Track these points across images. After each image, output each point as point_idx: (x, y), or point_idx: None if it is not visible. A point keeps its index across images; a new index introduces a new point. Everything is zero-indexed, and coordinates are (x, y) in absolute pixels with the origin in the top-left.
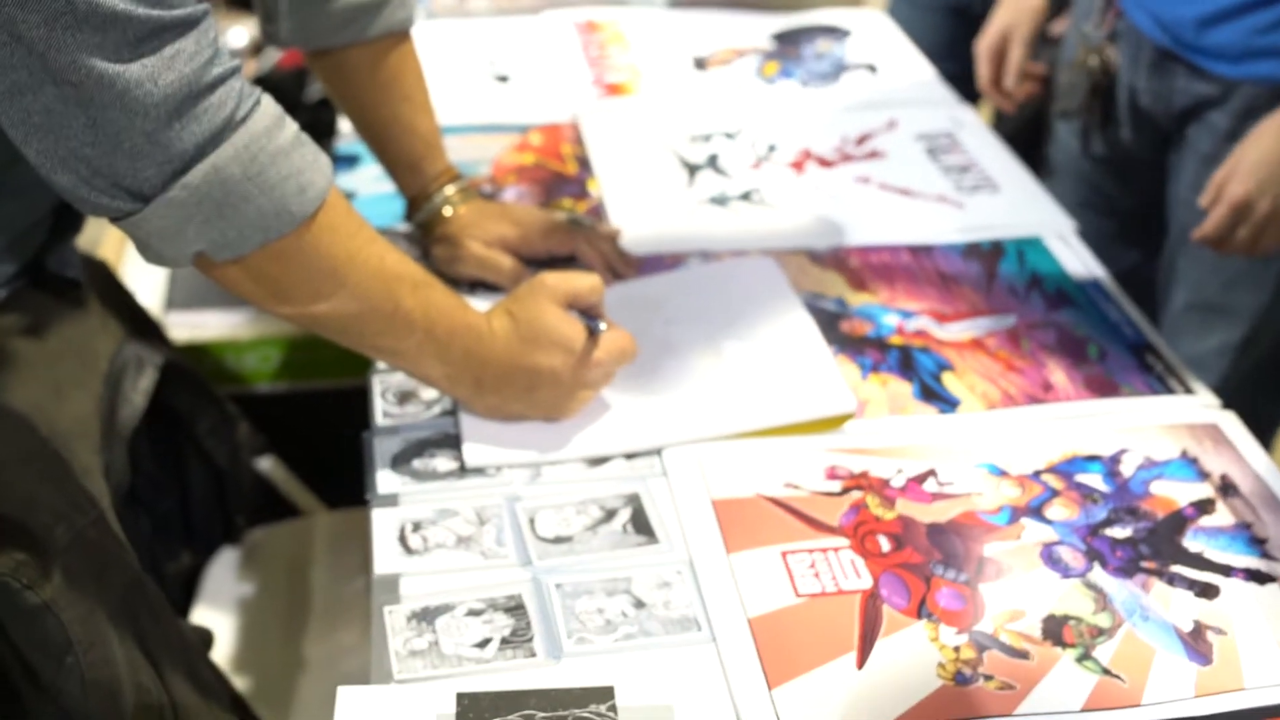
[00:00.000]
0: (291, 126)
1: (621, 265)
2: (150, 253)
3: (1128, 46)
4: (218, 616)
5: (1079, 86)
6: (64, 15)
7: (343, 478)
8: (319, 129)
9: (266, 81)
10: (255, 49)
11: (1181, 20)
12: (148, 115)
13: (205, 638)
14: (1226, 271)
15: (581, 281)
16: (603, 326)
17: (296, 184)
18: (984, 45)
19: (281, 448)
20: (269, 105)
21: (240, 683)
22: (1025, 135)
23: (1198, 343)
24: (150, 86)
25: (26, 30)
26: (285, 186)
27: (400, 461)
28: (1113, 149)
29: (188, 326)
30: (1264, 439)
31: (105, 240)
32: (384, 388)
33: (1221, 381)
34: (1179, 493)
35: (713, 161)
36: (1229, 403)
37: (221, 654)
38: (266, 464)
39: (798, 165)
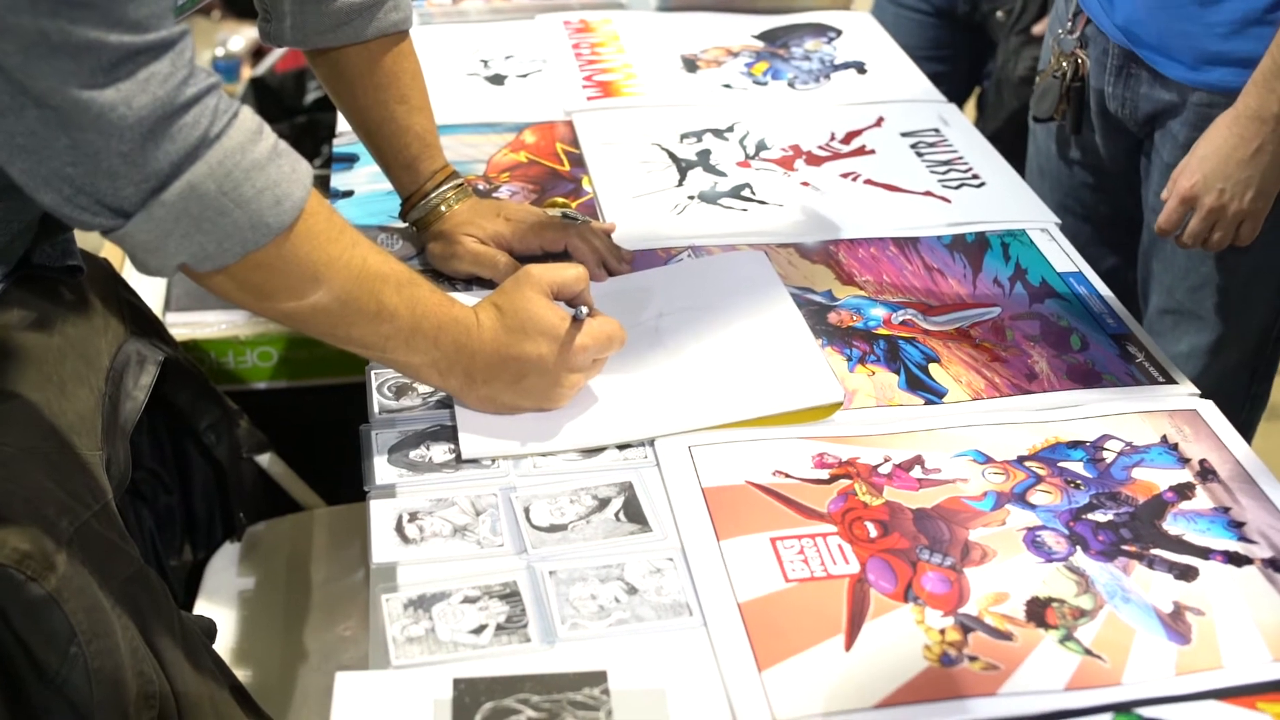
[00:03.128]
0: (269, 139)
1: (614, 260)
2: (137, 263)
3: (1095, 51)
4: (219, 610)
5: (1051, 91)
6: (39, 44)
7: (341, 473)
8: (317, 130)
9: (265, 84)
10: (254, 53)
11: (1137, 18)
12: (123, 137)
13: (207, 629)
14: (1193, 277)
15: (566, 272)
16: (585, 312)
17: (273, 196)
18: None
19: (281, 444)
20: (246, 119)
21: (241, 674)
22: (1006, 135)
23: (1171, 345)
24: (124, 110)
25: (4, 58)
26: (261, 200)
27: (397, 453)
28: (1088, 154)
29: (187, 325)
30: None
31: (106, 240)
32: (381, 381)
33: (1194, 383)
34: (1159, 478)
35: (704, 159)
36: None
37: (223, 646)
38: (266, 460)
39: (787, 162)
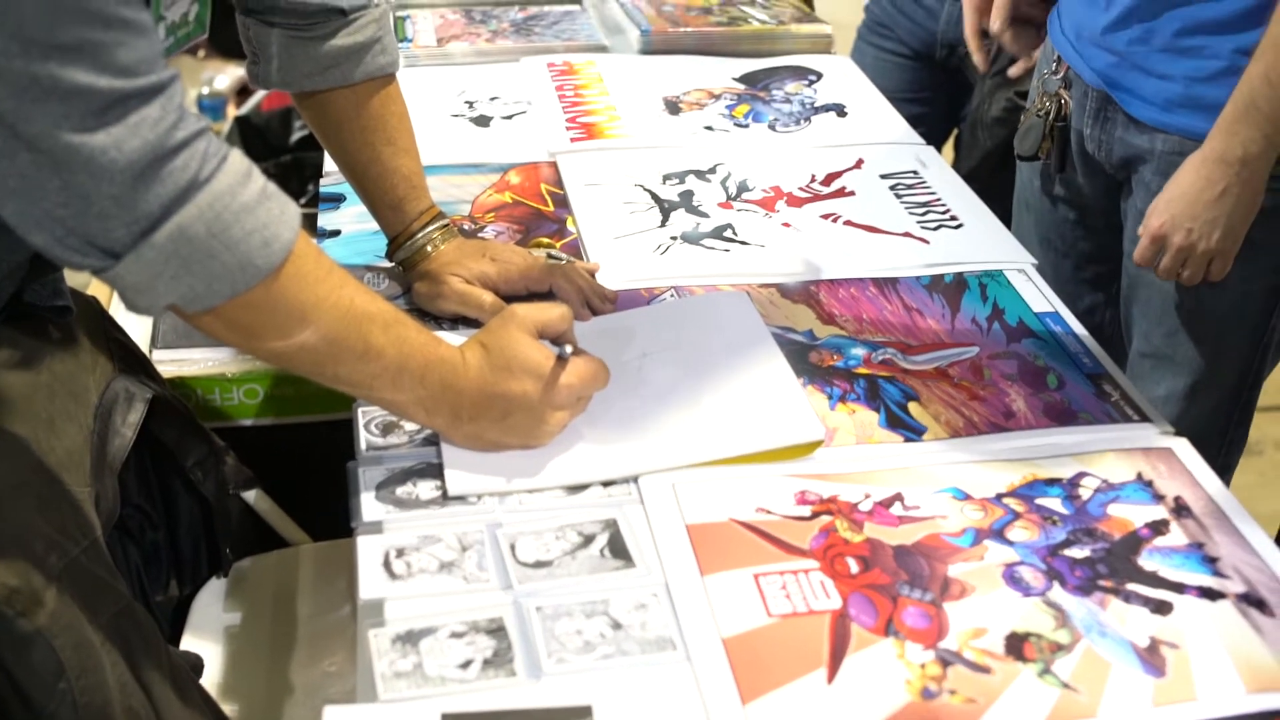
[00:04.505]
0: (258, 181)
1: (598, 300)
2: (127, 302)
3: (1076, 93)
4: (206, 645)
5: (1035, 130)
6: (30, 89)
7: (327, 510)
8: (303, 169)
9: (250, 122)
10: (240, 91)
11: (1111, 61)
12: (113, 180)
13: (195, 664)
14: (1169, 322)
15: (551, 311)
16: (569, 351)
17: (261, 238)
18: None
19: (267, 481)
20: (235, 162)
21: (228, 709)
22: (982, 174)
23: (1150, 389)
24: (115, 154)
25: None
26: (250, 242)
27: (384, 489)
28: (1071, 191)
29: (174, 362)
30: None
31: (96, 279)
32: (368, 419)
33: (1173, 426)
34: (1135, 514)
35: (686, 200)
36: None
37: (209, 681)
38: (253, 496)
39: (768, 203)
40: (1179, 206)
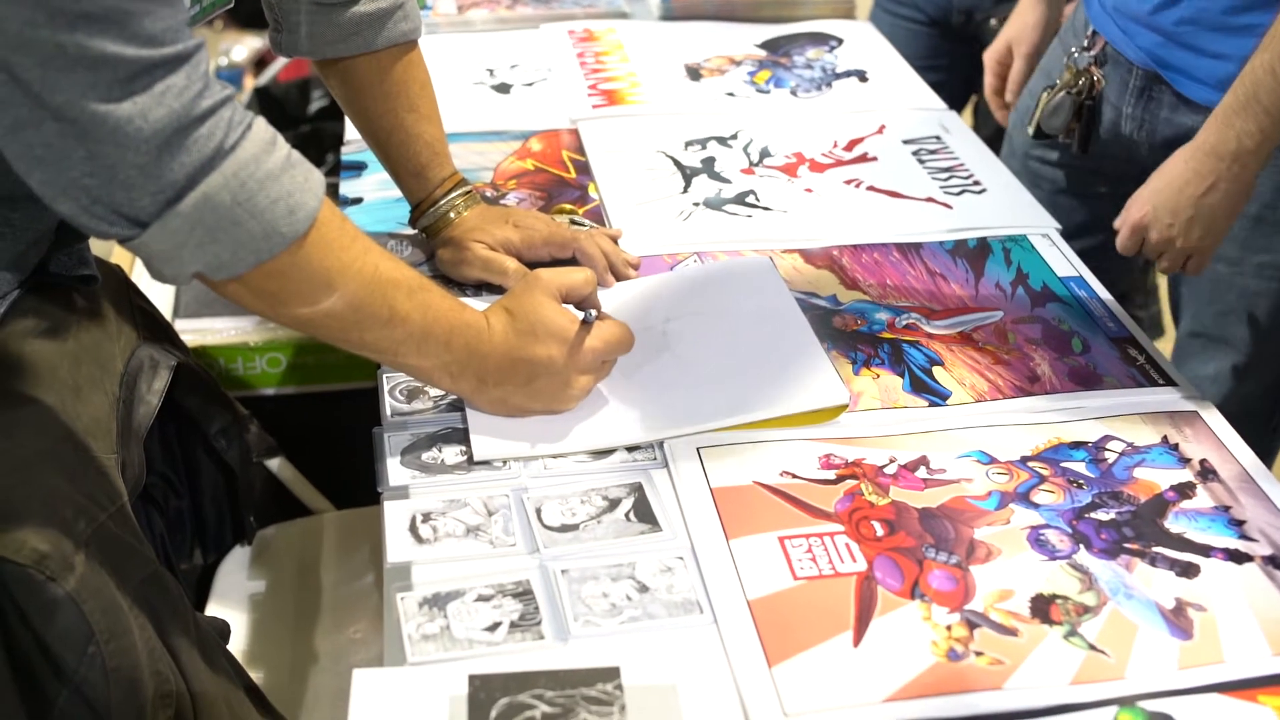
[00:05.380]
0: (283, 150)
1: (622, 266)
2: (153, 271)
3: (1115, 70)
4: (231, 613)
5: (1064, 108)
6: (57, 58)
7: (350, 478)
8: (321, 139)
9: (269, 93)
10: (257, 62)
11: (1161, 41)
12: (139, 149)
13: (222, 629)
14: (1220, 303)
15: (575, 275)
16: (594, 315)
17: (286, 206)
18: (990, 55)
19: (290, 449)
20: (260, 130)
21: (254, 675)
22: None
23: (1198, 368)
24: (141, 123)
25: (23, 72)
26: (275, 210)
27: (409, 455)
28: (1098, 172)
29: (197, 331)
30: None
31: (118, 246)
32: (392, 385)
33: (1220, 408)
34: (1160, 478)
35: (708, 166)
36: None
37: (235, 649)
38: (276, 464)
39: (790, 169)
40: (1162, 198)
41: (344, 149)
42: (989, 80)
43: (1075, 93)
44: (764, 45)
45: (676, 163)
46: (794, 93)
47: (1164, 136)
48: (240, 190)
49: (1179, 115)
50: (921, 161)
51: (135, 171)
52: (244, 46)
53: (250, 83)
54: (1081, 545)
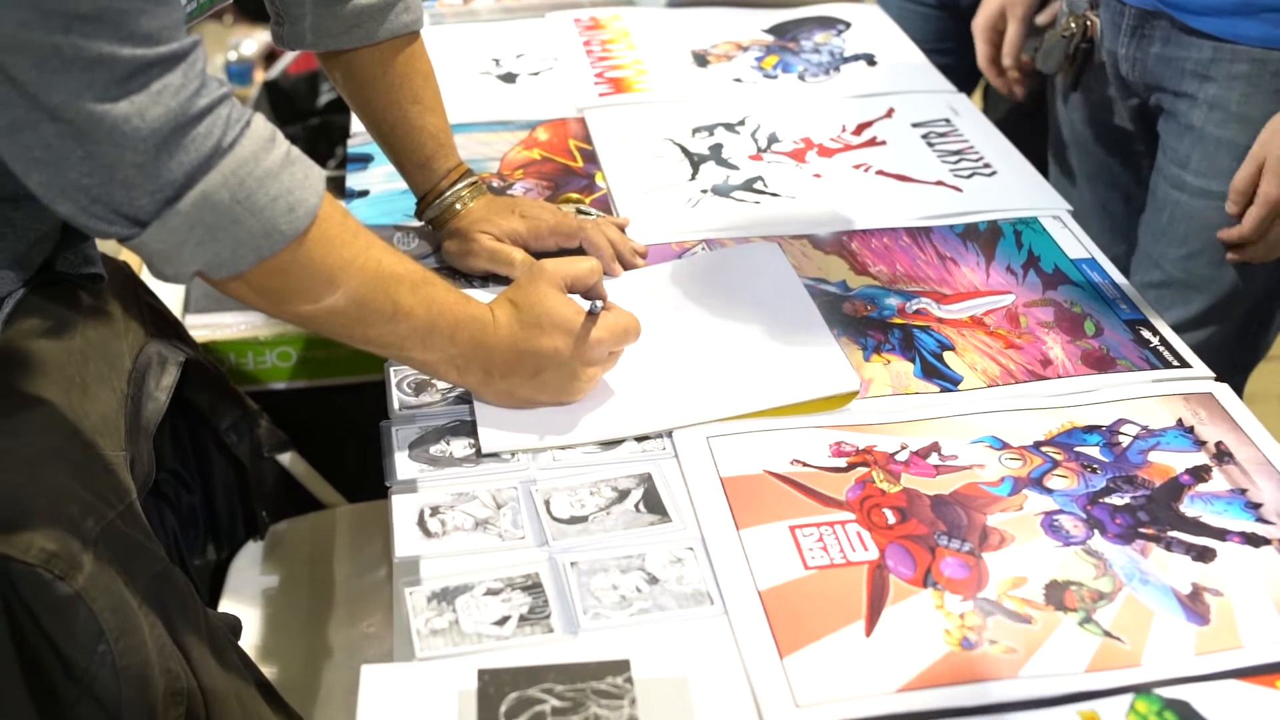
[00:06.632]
0: (282, 146)
1: (629, 254)
2: (153, 270)
3: (1108, 12)
4: (243, 608)
5: (1057, 49)
6: (52, 59)
7: (361, 472)
8: (331, 132)
9: (278, 87)
10: (267, 56)
11: None
12: (137, 148)
13: (233, 626)
14: (1191, 244)
15: (579, 265)
16: (601, 306)
17: (285, 204)
18: (979, 22)
19: (301, 443)
20: (259, 127)
21: (266, 671)
22: (1009, 124)
23: (1168, 315)
24: (138, 122)
25: (18, 73)
26: (274, 207)
27: (417, 448)
28: (1105, 121)
29: (206, 326)
30: None
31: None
32: (400, 378)
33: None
34: (1175, 461)
35: (716, 153)
36: None
37: (247, 643)
38: (287, 459)
39: (799, 155)
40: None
41: (350, 141)
42: (982, 49)
43: (1068, 35)
44: (771, 30)
45: (684, 150)
46: (802, 77)
47: (1160, 74)
48: (239, 188)
49: (1175, 50)
50: (931, 145)
51: (133, 171)
52: (254, 40)
53: (260, 76)
54: (1096, 530)
